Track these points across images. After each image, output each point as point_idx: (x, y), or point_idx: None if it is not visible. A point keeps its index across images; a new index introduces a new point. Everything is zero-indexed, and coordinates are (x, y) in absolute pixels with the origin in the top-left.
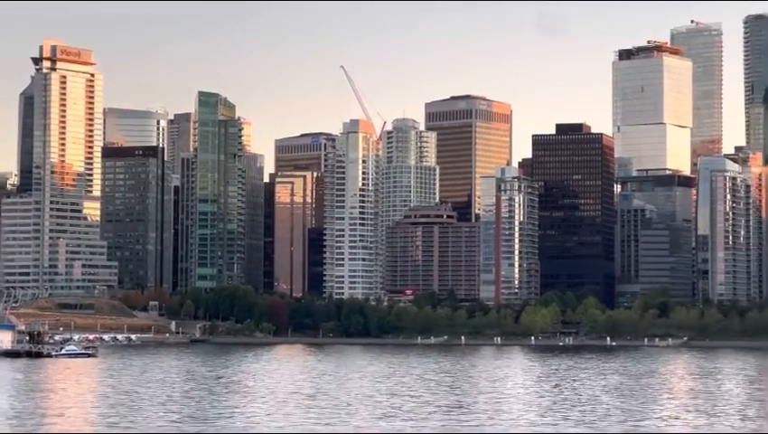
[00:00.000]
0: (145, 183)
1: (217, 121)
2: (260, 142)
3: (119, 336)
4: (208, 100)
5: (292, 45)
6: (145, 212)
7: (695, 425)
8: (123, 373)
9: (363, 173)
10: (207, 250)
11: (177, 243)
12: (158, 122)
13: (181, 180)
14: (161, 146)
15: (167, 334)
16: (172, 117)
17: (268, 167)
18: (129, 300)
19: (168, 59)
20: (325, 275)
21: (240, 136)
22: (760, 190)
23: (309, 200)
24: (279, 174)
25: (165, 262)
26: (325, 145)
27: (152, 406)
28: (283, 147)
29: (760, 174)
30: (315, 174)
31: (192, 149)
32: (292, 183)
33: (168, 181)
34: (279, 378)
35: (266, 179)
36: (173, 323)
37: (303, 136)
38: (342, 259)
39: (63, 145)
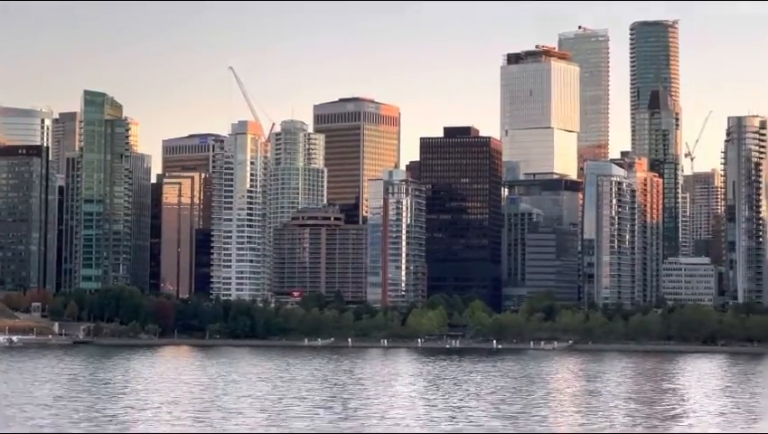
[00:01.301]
0: (28, 182)
1: (103, 121)
2: (148, 142)
3: (0, 338)
4: (94, 100)
5: (180, 45)
6: (29, 211)
7: (581, 424)
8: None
9: (251, 174)
10: (92, 251)
11: (61, 244)
12: (43, 121)
13: (66, 180)
14: (45, 145)
15: (50, 336)
16: (57, 117)
17: (156, 168)
18: (11, 301)
19: (54, 57)
20: (212, 276)
21: (127, 137)
22: (645, 195)
23: (197, 201)
24: (167, 174)
25: (49, 263)
26: (213, 146)
27: (34, 408)
28: (170, 148)
29: (645, 179)
30: (203, 176)
31: (77, 149)
32: (179, 183)
33: (53, 180)
34: (165, 380)
35: (154, 180)
36: (57, 324)
37: (191, 136)
38: (230, 261)
39: None
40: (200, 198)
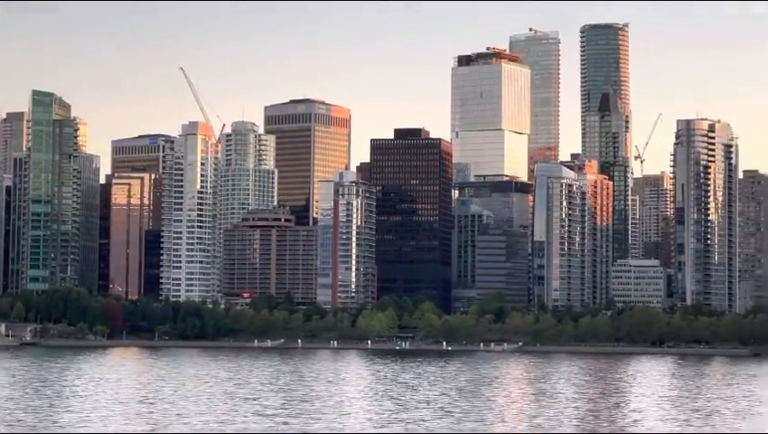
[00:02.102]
0: None
1: (51, 121)
2: (97, 143)
3: None
4: (42, 99)
5: (130, 45)
6: None
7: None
8: None
9: (202, 175)
10: (39, 252)
11: (8, 244)
12: None
13: (13, 180)
14: None
15: None
16: (4, 116)
17: (105, 168)
18: None
19: (1, 56)
20: (162, 277)
21: (76, 137)
22: (595, 197)
23: (146, 202)
24: (116, 175)
25: None
26: (163, 146)
27: None
28: (120, 148)
29: (595, 182)
30: (153, 176)
31: (24, 149)
32: (129, 184)
33: (0, 181)
34: (112, 382)
35: (103, 180)
36: (3, 325)
37: (140, 137)
38: (179, 262)
39: None
40: (149, 199)
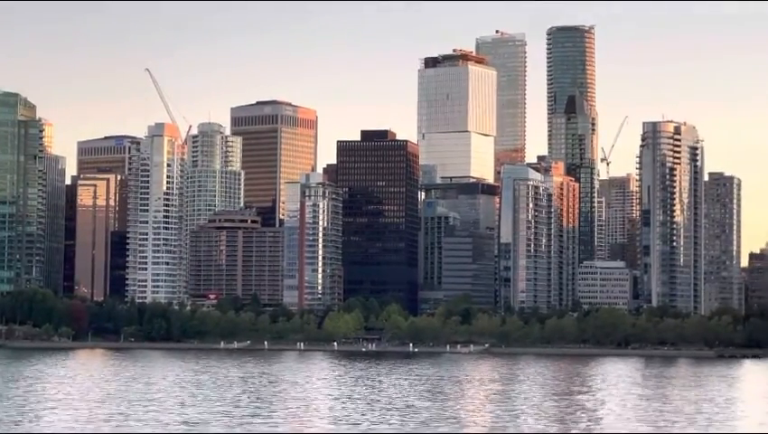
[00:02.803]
0: None
1: (16, 121)
2: (62, 144)
3: None
4: (7, 100)
5: (96, 46)
6: None
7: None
8: None
9: (168, 176)
10: (4, 253)
11: None
12: None
13: None
14: None
15: None
16: None
17: (70, 169)
18: None
19: None
20: (128, 279)
21: (41, 138)
22: (561, 199)
23: (112, 203)
24: (82, 176)
25: None
26: (129, 148)
27: None
28: (86, 150)
29: (561, 184)
30: (119, 177)
31: None
32: (95, 185)
33: None
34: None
35: (68, 181)
36: None
37: (106, 138)
38: (146, 263)
39: None
40: (115, 200)
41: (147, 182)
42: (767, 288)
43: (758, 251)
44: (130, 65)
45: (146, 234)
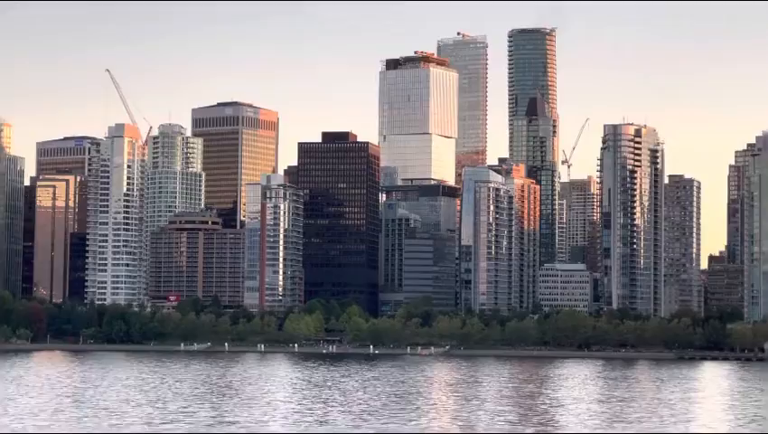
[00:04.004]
0: None
1: None
2: (21, 144)
3: None
4: None
5: (56, 46)
6: None
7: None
8: None
9: (128, 178)
10: None
11: None
12: None
13: None
14: None
15: None
16: None
17: (29, 170)
18: None
19: None
20: (87, 280)
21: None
22: (522, 201)
23: (71, 204)
24: (41, 177)
25: None
26: (89, 148)
27: None
28: (45, 150)
29: (522, 186)
30: (78, 178)
31: None
32: (54, 186)
33: None
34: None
35: (27, 182)
36: None
37: (66, 139)
38: (105, 265)
39: None
40: (75, 201)
41: (107, 183)
42: (726, 291)
43: (717, 254)
44: (90, 65)
45: (106, 236)
